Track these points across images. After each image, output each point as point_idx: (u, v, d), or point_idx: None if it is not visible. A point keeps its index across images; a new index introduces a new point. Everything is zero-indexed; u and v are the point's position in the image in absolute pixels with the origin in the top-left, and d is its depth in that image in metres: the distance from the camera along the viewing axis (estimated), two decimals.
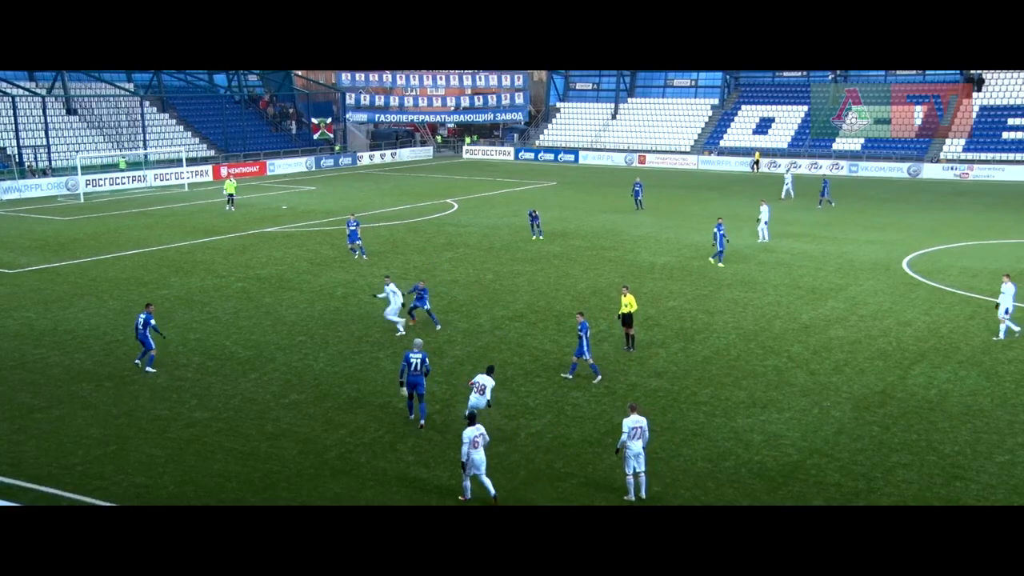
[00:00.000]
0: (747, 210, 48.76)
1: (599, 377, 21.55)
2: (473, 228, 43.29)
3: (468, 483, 15.70)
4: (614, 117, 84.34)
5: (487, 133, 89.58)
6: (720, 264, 34.55)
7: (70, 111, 65.76)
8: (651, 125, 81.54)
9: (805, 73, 78.16)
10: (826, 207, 50.39)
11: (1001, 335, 24.96)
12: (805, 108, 76.70)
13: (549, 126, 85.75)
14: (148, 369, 22.36)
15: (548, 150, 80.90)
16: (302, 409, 20.04)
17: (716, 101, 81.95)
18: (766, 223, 39.79)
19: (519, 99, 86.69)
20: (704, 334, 25.74)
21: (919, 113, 72.21)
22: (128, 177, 60.06)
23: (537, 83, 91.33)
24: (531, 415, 19.73)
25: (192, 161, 64.53)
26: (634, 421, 15.71)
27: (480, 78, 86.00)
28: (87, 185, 56.08)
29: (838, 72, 76.08)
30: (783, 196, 53.47)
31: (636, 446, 15.57)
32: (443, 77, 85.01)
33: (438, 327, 25.71)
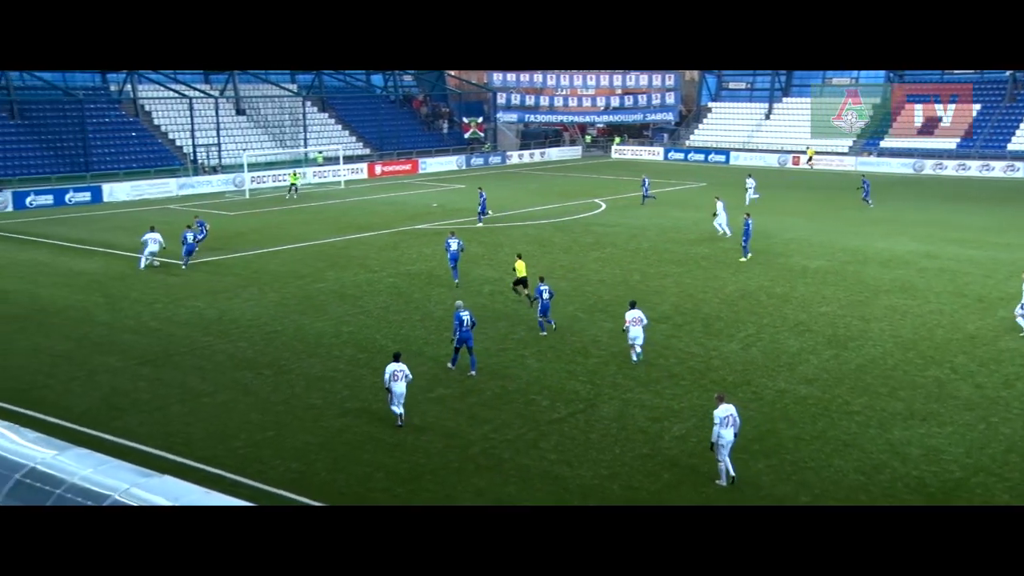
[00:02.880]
0: (908, 214, 46.61)
1: (545, 332, 25.16)
2: (620, 228, 43.05)
3: (397, 409, 18.84)
4: (768, 117, 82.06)
5: (636, 133, 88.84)
6: (742, 259, 34.99)
7: (239, 111, 69.41)
8: (807, 125, 78.65)
9: (978, 71, 73.63)
10: (867, 207, 49.17)
11: None
12: (976, 107, 72.32)
13: (700, 126, 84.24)
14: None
15: (698, 150, 79.44)
16: (448, 404, 20.47)
17: (877, 100, 78.33)
18: (723, 218, 39.84)
19: (670, 99, 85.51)
20: (858, 341, 24.74)
21: None
22: (289, 174, 62.80)
23: (689, 83, 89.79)
24: (676, 418, 19.49)
25: (348, 159, 66.89)
26: (724, 411, 16.34)
27: (631, 78, 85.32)
28: (252, 182, 59.05)
29: (1017, 70, 71.38)
30: (747, 203, 49.77)
31: (728, 434, 16.27)
32: (593, 77, 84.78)
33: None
